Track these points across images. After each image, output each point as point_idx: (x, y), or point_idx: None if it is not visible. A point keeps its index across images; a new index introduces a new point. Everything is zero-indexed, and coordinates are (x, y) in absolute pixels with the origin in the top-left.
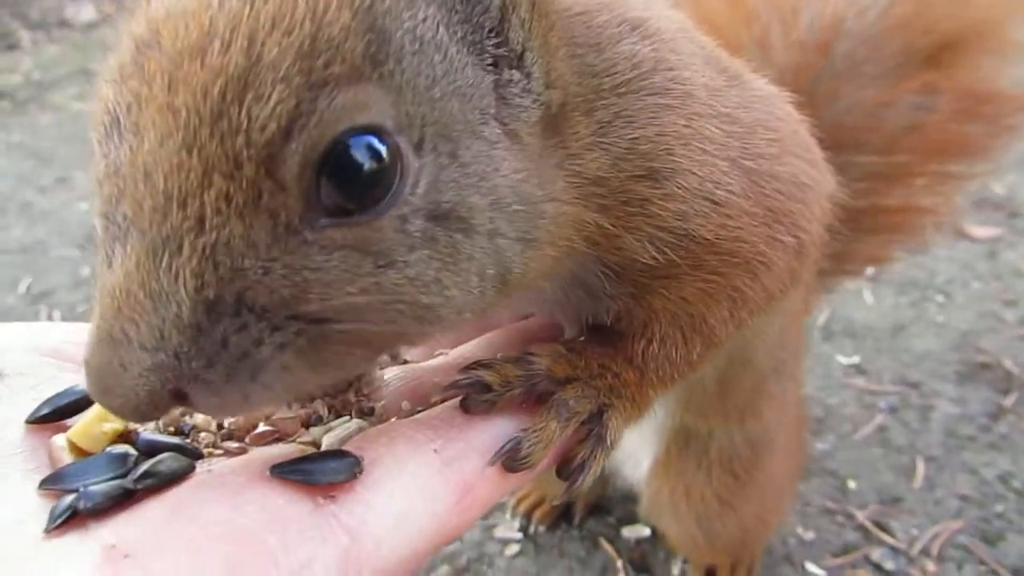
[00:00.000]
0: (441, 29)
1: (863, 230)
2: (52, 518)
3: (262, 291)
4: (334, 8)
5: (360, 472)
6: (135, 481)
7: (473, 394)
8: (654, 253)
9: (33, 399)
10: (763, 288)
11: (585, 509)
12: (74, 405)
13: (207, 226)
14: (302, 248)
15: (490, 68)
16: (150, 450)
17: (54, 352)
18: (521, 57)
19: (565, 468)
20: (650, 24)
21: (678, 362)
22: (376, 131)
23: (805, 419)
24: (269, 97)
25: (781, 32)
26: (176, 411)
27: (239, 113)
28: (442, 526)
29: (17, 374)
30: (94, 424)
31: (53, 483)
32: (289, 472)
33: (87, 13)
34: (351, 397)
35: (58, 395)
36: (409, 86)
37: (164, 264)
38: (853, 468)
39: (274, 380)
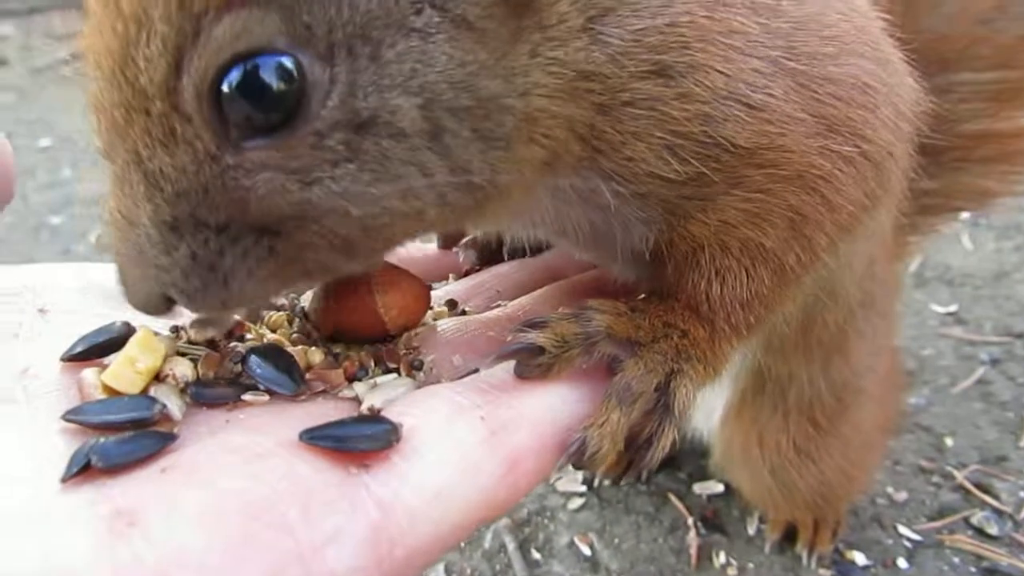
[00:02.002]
0: None
1: (972, 160)
2: (70, 466)
3: (209, 211)
4: None
5: (397, 440)
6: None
7: (526, 359)
8: (676, 165)
9: (73, 336)
10: (828, 206)
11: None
12: (110, 342)
13: (143, 157)
14: (227, 172)
15: None
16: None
17: (100, 289)
18: None
19: (631, 444)
20: None
21: (749, 301)
22: (263, 52)
23: (899, 369)
24: (157, 35)
25: None
26: (221, 354)
27: (139, 53)
28: (487, 500)
29: (59, 311)
30: (127, 365)
31: (76, 415)
32: (319, 438)
33: None
34: (400, 350)
35: (94, 332)
36: None
37: (126, 191)
38: (951, 424)
39: (244, 285)
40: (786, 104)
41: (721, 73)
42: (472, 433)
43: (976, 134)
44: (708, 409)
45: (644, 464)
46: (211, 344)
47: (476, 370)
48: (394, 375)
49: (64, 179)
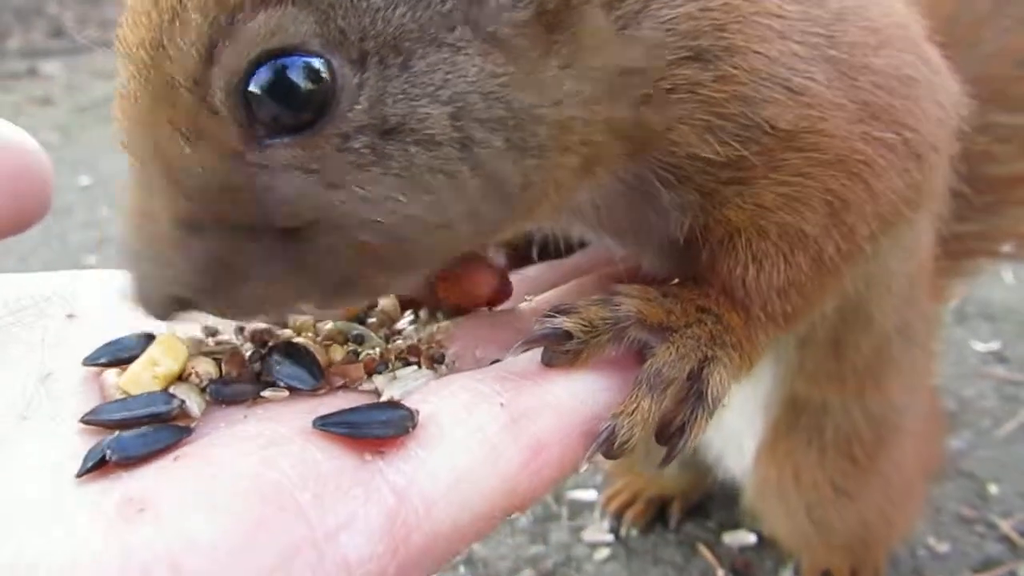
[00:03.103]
0: None
1: (1009, 202)
2: (85, 461)
3: (228, 208)
4: None
5: (413, 426)
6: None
7: (553, 345)
8: (717, 146)
9: (99, 341)
10: (870, 192)
11: (682, 511)
12: (132, 351)
13: (166, 152)
14: (248, 169)
15: None
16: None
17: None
18: None
19: (663, 432)
20: None
21: (786, 289)
22: (296, 52)
23: (939, 410)
24: (191, 26)
25: None
26: (243, 354)
27: (171, 43)
28: (509, 488)
29: (88, 317)
30: (145, 369)
31: (94, 415)
32: (333, 424)
33: None
34: (421, 344)
35: (118, 340)
36: (341, 2)
37: (144, 186)
38: (994, 470)
39: (259, 290)
40: (827, 90)
41: (760, 54)
42: (493, 419)
43: (1012, 176)
44: (740, 445)
45: (677, 452)
46: (235, 346)
47: (499, 361)
48: (414, 368)
49: (102, 219)
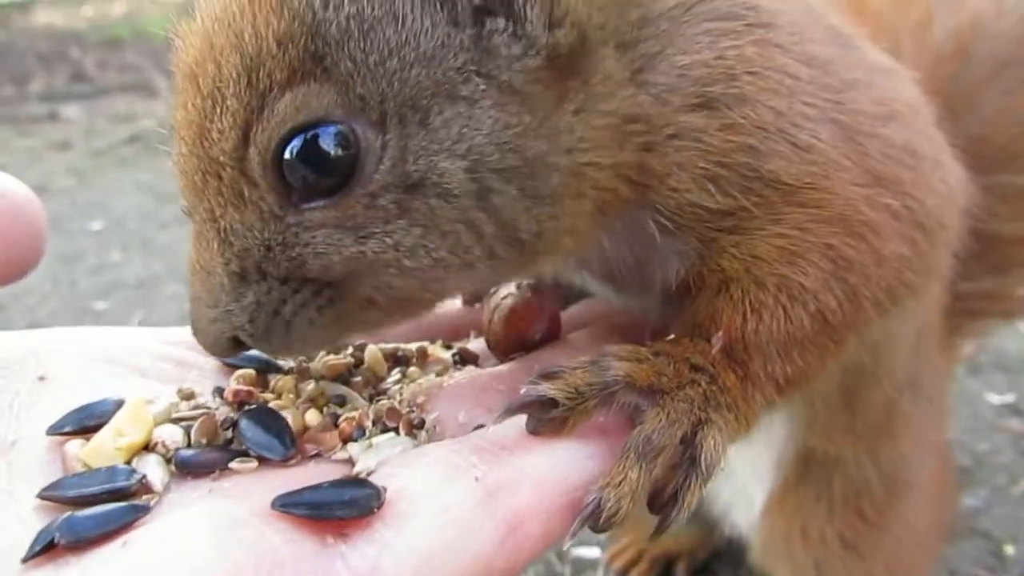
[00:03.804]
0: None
1: (1015, 263)
2: (33, 545)
3: (271, 264)
4: (272, 19)
5: (379, 506)
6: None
7: (537, 412)
8: (718, 196)
9: (68, 406)
10: (874, 255)
11: (688, 570)
12: (98, 422)
13: (216, 216)
14: (289, 229)
15: (469, 21)
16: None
17: (105, 356)
18: (510, 2)
19: (655, 501)
20: None
21: (787, 346)
22: (320, 124)
23: (951, 466)
24: (229, 110)
25: (912, 42)
26: (214, 420)
27: (213, 125)
28: (483, 567)
29: (58, 378)
30: (108, 440)
31: (51, 491)
32: (294, 506)
33: None
34: (402, 408)
35: (86, 407)
36: (358, 69)
37: (203, 244)
38: (1011, 529)
39: (304, 332)
40: (832, 149)
41: (769, 108)
42: (466, 495)
43: (1018, 236)
44: (749, 499)
45: (669, 521)
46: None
47: (483, 427)
48: (392, 434)
49: (112, 263)
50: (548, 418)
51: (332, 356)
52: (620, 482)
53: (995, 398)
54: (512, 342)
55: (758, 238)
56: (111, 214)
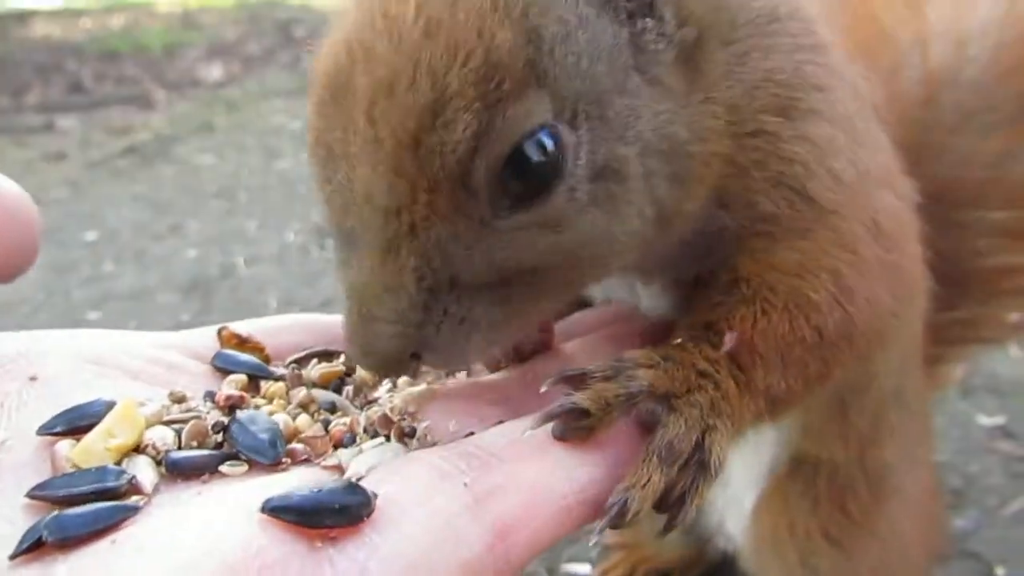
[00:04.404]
0: (582, 3)
1: (997, 292)
2: (21, 542)
3: (468, 272)
4: (498, 29)
5: (369, 513)
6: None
7: (568, 420)
8: (773, 200)
9: (58, 407)
10: (868, 291)
11: None
12: (91, 419)
13: (418, 231)
14: (494, 235)
15: (625, 22)
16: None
17: (97, 358)
18: (651, 4)
19: (664, 501)
20: None
21: (787, 357)
22: (541, 129)
23: (939, 486)
24: (457, 123)
25: (884, 89)
26: (205, 423)
27: (433, 139)
28: (472, 572)
29: (50, 379)
30: (98, 441)
31: (40, 490)
32: (283, 511)
33: (216, 72)
34: (393, 416)
35: (77, 408)
36: (562, 72)
37: (391, 263)
38: (1001, 551)
39: (486, 334)
40: (853, 189)
41: (826, 129)
42: (454, 500)
43: (996, 268)
44: (741, 508)
45: (677, 522)
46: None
47: (473, 434)
48: (382, 441)
49: (106, 274)
50: (577, 427)
51: (325, 364)
52: (645, 484)
53: (986, 420)
54: (505, 353)
55: (782, 248)
56: (105, 225)
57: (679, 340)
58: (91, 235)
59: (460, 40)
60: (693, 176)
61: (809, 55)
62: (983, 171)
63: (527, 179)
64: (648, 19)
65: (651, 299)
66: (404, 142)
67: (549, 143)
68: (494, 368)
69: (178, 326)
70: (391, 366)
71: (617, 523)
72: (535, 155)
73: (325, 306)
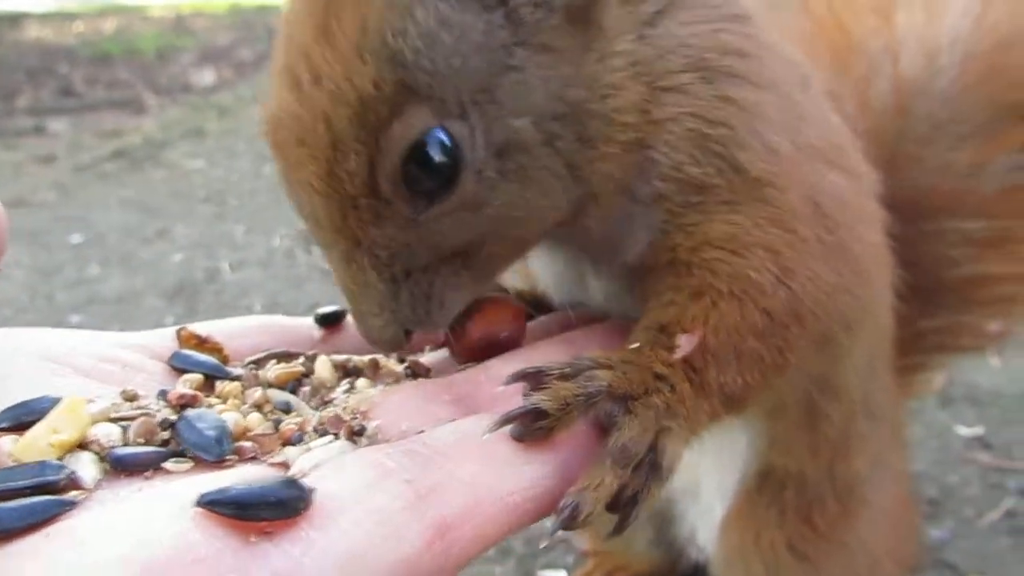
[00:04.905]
0: (441, 6)
1: (972, 301)
2: None
3: (415, 260)
4: (362, 68)
5: (305, 508)
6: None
7: (527, 422)
8: (700, 164)
9: (7, 403)
10: (810, 271)
11: None
12: (37, 415)
13: (361, 241)
14: (423, 228)
15: (495, 4)
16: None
17: (54, 357)
18: None
19: (615, 502)
20: None
21: (738, 347)
22: (424, 135)
23: (912, 495)
24: (350, 155)
25: (856, 99)
26: (153, 420)
27: (340, 172)
28: (409, 570)
29: (4, 377)
30: (41, 436)
31: None
32: (219, 504)
33: (208, 78)
34: (345, 416)
35: (23, 404)
36: (434, 77)
37: (354, 267)
38: (976, 562)
39: (452, 298)
40: (790, 163)
41: (752, 95)
42: (395, 498)
43: (970, 277)
44: (712, 520)
45: (628, 522)
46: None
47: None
48: (331, 439)
49: (91, 277)
50: (536, 427)
51: (283, 365)
52: (598, 486)
53: (964, 431)
54: (481, 337)
55: (716, 220)
56: (92, 228)
57: (636, 344)
58: (77, 238)
59: (337, 86)
60: (601, 135)
61: (730, 24)
62: (956, 181)
63: (433, 177)
64: None
65: (604, 295)
66: (323, 179)
67: (434, 145)
68: (466, 357)
69: None
70: (394, 346)
71: (570, 524)
72: (435, 155)
73: (310, 310)
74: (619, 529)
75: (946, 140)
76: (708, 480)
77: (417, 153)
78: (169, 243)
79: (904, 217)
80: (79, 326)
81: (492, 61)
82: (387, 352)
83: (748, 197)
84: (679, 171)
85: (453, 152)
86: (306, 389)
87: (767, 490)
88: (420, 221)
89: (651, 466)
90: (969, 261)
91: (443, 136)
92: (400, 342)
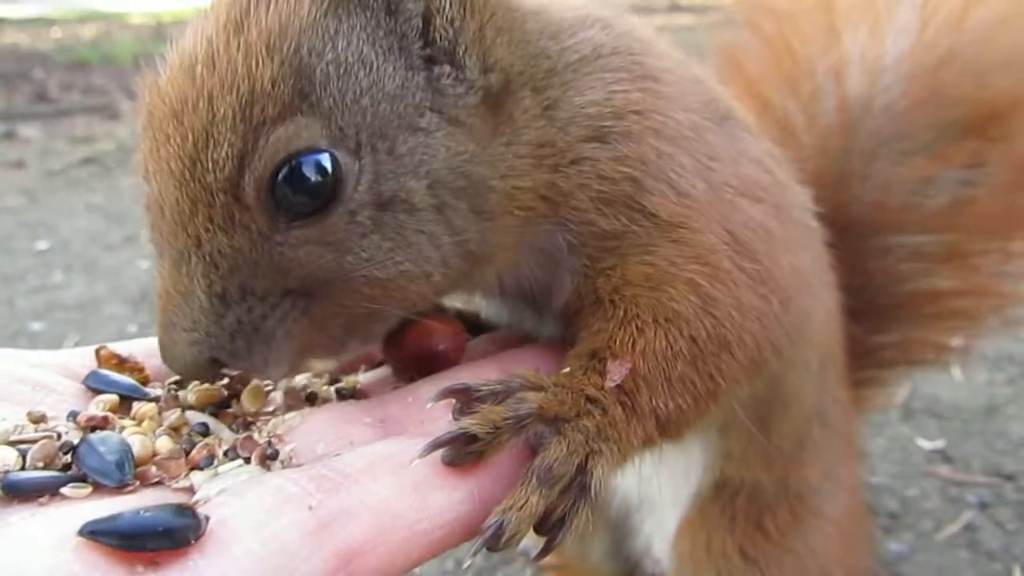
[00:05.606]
0: (366, 48)
1: (925, 316)
2: None
3: (255, 282)
4: (266, 62)
5: (196, 536)
6: None
7: (457, 447)
8: (609, 218)
9: None
10: (734, 299)
11: None
12: None
13: (203, 241)
14: (276, 248)
15: (421, 67)
16: None
17: (26, 378)
18: (453, 52)
19: (544, 523)
20: (620, 22)
21: (668, 373)
22: (309, 152)
23: (866, 508)
24: (222, 143)
25: (804, 118)
26: (54, 444)
27: (206, 159)
28: None
29: None
30: None
31: None
32: (104, 534)
33: None
34: (260, 439)
35: None
36: (338, 106)
37: (184, 271)
38: (934, 575)
39: (283, 344)
40: (703, 203)
41: (653, 147)
42: (295, 525)
43: (922, 292)
44: (667, 532)
45: (556, 543)
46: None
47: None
48: (240, 463)
49: (54, 284)
50: (467, 451)
51: (205, 386)
52: (522, 506)
53: (926, 444)
54: (417, 349)
55: (632, 263)
56: (58, 234)
57: (568, 369)
58: (42, 244)
59: (233, 71)
60: (499, 209)
61: (627, 85)
62: (902, 197)
63: (303, 197)
64: (447, 65)
65: (543, 326)
66: (185, 161)
67: (315, 165)
68: (402, 369)
69: (123, 338)
70: (192, 370)
71: (493, 545)
72: (312, 175)
73: None
74: (546, 551)
75: (891, 156)
76: (663, 493)
77: (294, 166)
78: (136, 250)
79: (855, 233)
80: (39, 334)
81: (401, 115)
82: (185, 378)
83: (662, 239)
84: (592, 226)
85: (332, 180)
86: (231, 411)
87: (720, 499)
88: (274, 240)
89: (580, 488)
90: (920, 276)
91: (327, 161)
92: (202, 370)
